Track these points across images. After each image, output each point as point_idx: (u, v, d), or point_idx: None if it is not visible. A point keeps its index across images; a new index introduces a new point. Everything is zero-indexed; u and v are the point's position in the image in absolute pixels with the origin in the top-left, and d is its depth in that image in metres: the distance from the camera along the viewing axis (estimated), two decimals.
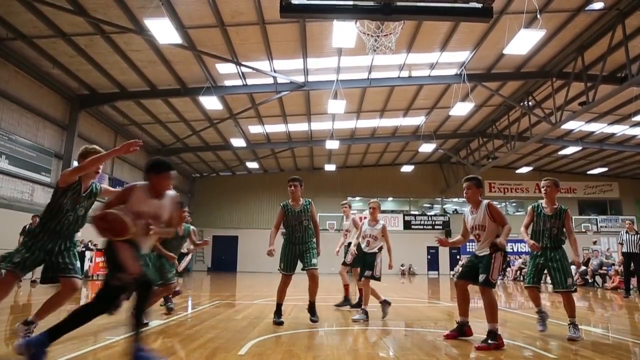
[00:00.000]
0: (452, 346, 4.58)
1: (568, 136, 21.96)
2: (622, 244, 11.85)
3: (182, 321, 5.83)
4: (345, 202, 8.55)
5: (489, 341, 4.29)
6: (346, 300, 7.61)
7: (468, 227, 4.89)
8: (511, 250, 24.72)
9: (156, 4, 10.51)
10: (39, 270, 3.93)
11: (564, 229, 5.21)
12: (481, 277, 4.52)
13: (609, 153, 24.42)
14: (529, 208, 5.53)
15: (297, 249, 5.93)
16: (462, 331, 4.77)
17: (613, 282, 14.30)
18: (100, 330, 5.14)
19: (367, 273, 6.28)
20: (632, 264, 11.71)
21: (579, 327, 4.94)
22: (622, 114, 18.28)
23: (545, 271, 5.28)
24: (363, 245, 6.54)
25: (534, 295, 5.40)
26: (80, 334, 4.96)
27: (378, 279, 6.35)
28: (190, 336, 4.63)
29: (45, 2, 10.55)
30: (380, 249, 6.44)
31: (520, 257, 22.12)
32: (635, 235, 11.65)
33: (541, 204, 5.40)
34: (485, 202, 4.74)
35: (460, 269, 4.98)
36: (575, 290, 5.09)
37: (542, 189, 5.40)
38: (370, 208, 6.67)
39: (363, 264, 6.49)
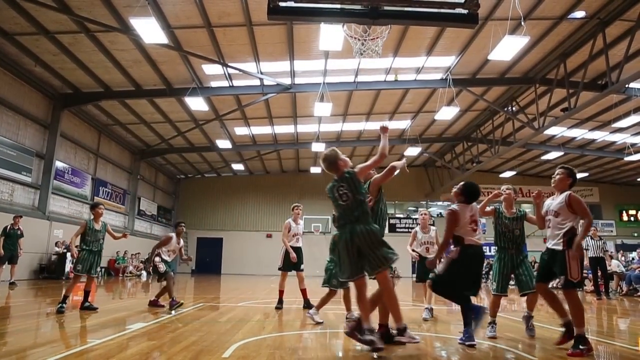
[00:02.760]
0: (438, 349, 4.61)
1: (550, 141, 22.32)
2: (587, 249, 12.24)
3: (165, 324, 5.76)
4: (298, 204, 8.42)
5: (580, 346, 4.11)
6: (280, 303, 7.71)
7: (542, 212, 4.78)
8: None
9: (142, 4, 10.42)
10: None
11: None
12: (560, 280, 4.33)
13: (589, 158, 24.90)
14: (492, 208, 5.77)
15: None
16: (571, 330, 4.40)
17: (593, 285, 14.56)
18: (81, 333, 5.06)
19: (431, 275, 6.83)
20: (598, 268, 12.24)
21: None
22: (603, 121, 18.66)
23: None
24: (421, 251, 7.26)
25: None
26: (62, 337, 4.89)
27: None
28: (173, 339, 4.58)
29: None
30: None
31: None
32: (600, 241, 12.09)
33: (500, 207, 5.74)
34: (568, 192, 4.54)
35: (536, 270, 4.89)
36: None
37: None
38: (421, 215, 7.40)
39: (425, 269, 6.98)
